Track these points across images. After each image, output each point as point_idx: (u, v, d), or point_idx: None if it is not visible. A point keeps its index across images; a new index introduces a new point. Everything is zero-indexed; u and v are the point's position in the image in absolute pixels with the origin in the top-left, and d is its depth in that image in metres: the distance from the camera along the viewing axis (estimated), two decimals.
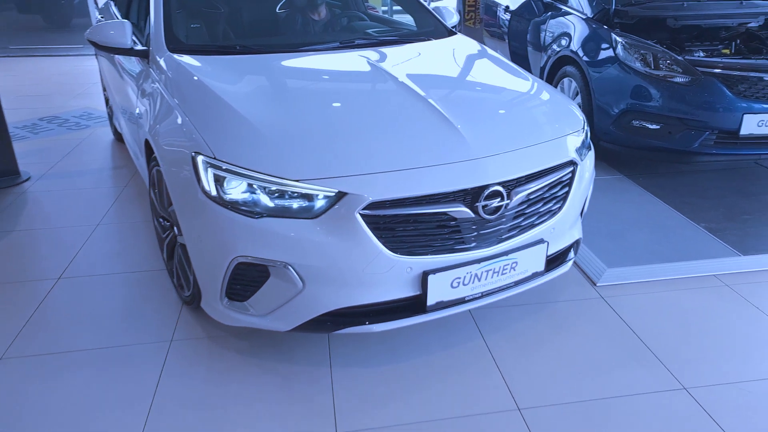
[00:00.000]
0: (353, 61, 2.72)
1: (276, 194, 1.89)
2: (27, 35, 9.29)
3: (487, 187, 1.97)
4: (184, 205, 2.10)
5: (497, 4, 5.71)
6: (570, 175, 2.25)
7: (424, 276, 1.94)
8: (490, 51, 3.13)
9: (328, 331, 2.05)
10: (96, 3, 9.72)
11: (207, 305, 2.19)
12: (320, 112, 2.20)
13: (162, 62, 2.65)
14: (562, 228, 2.26)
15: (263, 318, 2.05)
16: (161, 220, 2.62)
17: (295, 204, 1.88)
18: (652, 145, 3.77)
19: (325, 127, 2.09)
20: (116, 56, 3.50)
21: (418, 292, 1.99)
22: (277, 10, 3.34)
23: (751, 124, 3.53)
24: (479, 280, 2.04)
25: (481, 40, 5.54)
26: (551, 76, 4.60)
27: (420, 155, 1.98)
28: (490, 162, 2.01)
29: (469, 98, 2.45)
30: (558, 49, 4.45)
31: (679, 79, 3.59)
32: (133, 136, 3.17)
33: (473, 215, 1.97)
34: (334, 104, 2.29)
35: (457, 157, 1.99)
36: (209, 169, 1.95)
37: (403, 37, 3.18)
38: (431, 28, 3.31)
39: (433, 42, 3.10)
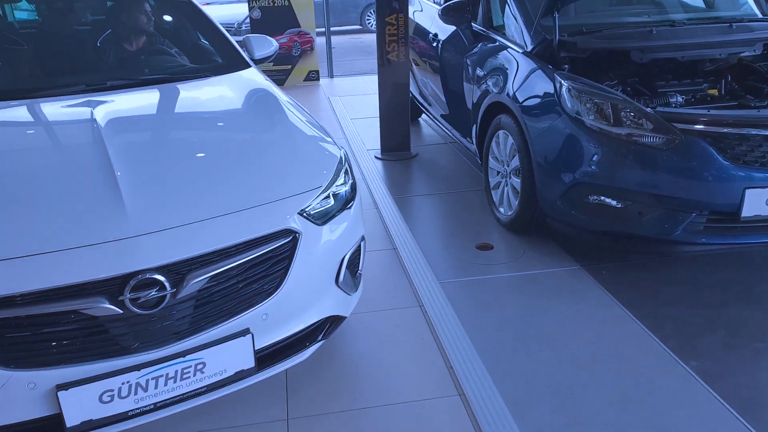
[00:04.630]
0: (72, 109, 2.31)
1: None
2: None
3: (134, 275, 1.59)
4: None
5: (426, 32, 4.63)
6: (289, 247, 1.85)
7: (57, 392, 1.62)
8: (270, 89, 2.62)
9: None
10: None
11: None
12: None
13: None
14: (283, 313, 1.89)
15: None
16: None
17: None
18: (616, 230, 2.66)
19: None
20: None
21: (55, 411, 1.62)
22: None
23: (757, 203, 2.43)
24: (145, 390, 1.69)
25: (407, 75, 4.50)
26: (484, 128, 3.49)
27: (48, 238, 1.60)
28: (147, 241, 1.65)
29: (172, 156, 2.05)
30: (489, 93, 3.35)
31: (649, 140, 2.49)
32: None
33: (120, 311, 1.60)
34: None
35: (102, 237, 1.63)
36: None
37: (178, 74, 2.76)
38: (226, 61, 2.86)
39: (206, 80, 2.66)
